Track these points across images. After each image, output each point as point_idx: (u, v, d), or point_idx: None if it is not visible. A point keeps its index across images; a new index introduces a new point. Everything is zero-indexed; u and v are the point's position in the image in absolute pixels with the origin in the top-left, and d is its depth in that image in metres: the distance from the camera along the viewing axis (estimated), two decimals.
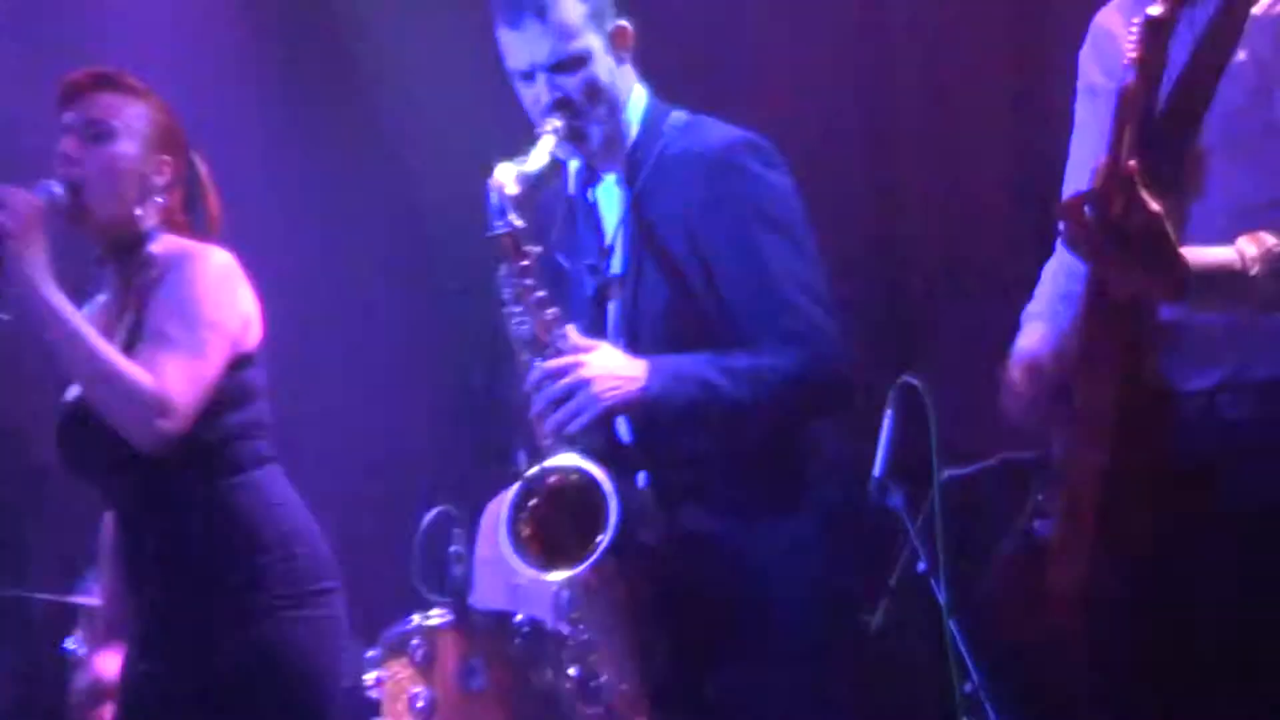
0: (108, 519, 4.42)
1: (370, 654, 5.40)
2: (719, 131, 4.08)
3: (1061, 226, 3.16)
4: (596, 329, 4.05)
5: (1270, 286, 3.13)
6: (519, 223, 3.92)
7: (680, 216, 3.99)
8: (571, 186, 4.17)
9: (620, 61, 4.08)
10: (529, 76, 4.00)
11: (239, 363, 4.25)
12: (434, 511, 5.12)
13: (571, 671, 4.32)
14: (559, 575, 3.90)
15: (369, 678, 5.37)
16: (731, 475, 3.96)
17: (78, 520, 5.03)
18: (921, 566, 5.15)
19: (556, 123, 3.98)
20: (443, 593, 5.36)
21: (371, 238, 6.73)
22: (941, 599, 5.06)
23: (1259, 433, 3.21)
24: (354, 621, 5.02)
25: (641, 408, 3.90)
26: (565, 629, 4.05)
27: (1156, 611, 3.24)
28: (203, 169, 4.45)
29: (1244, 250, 3.12)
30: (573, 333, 3.94)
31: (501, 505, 3.94)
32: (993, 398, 3.44)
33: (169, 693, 4.21)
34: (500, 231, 3.92)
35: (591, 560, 3.80)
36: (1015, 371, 3.40)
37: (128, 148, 4.28)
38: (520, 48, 4.01)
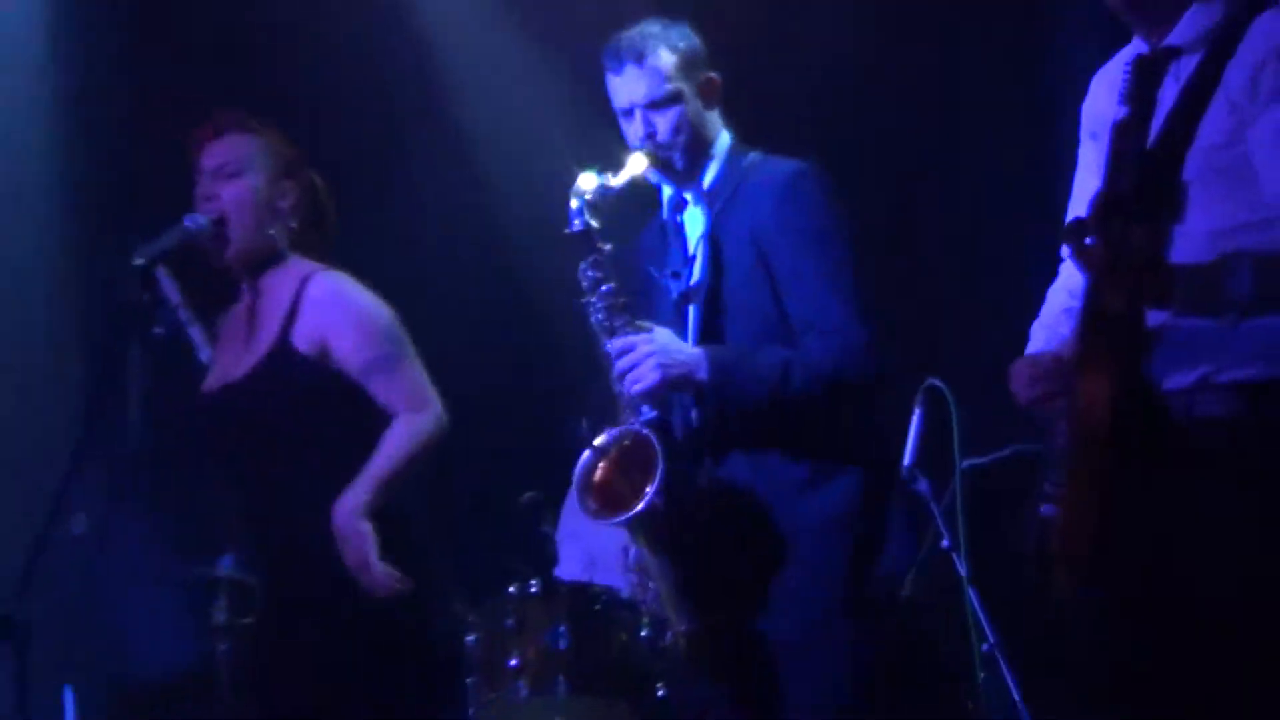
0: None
1: (470, 619, 5.42)
2: (786, 164, 4.21)
3: (1065, 246, 3.34)
4: (679, 328, 4.18)
5: (1243, 291, 3.25)
6: (594, 223, 4.09)
7: (750, 234, 4.13)
8: (665, 211, 4.30)
9: (708, 107, 4.23)
10: (628, 113, 4.18)
11: None
12: (526, 496, 5.03)
13: (643, 633, 4.58)
14: (618, 519, 4.05)
15: (468, 640, 5.36)
16: (780, 444, 4.06)
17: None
18: (945, 543, 5.19)
19: (647, 150, 4.16)
20: (532, 566, 5.38)
21: (458, 244, 6.72)
22: (962, 571, 5.15)
23: (1230, 426, 3.32)
24: (457, 590, 5.39)
25: (693, 385, 4.02)
26: (635, 590, 4.22)
27: (1147, 577, 3.33)
28: (321, 186, 4.55)
29: (1218, 263, 3.24)
30: (635, 319, 4.10)
31: (577, 469, 4.14)
32: (1006, 397, 3.53)
33: (291, 648, 4.37)
34: (576, 230, 4.11)
35: (642, 506, 3.95)
36: (1022, 364, 3.51)
37: (255, 180, 4.40)
38: (621, 89, 4.18)
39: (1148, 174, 3.29)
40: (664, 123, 4.16)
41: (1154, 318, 3.25)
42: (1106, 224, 3.19)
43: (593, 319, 4.11)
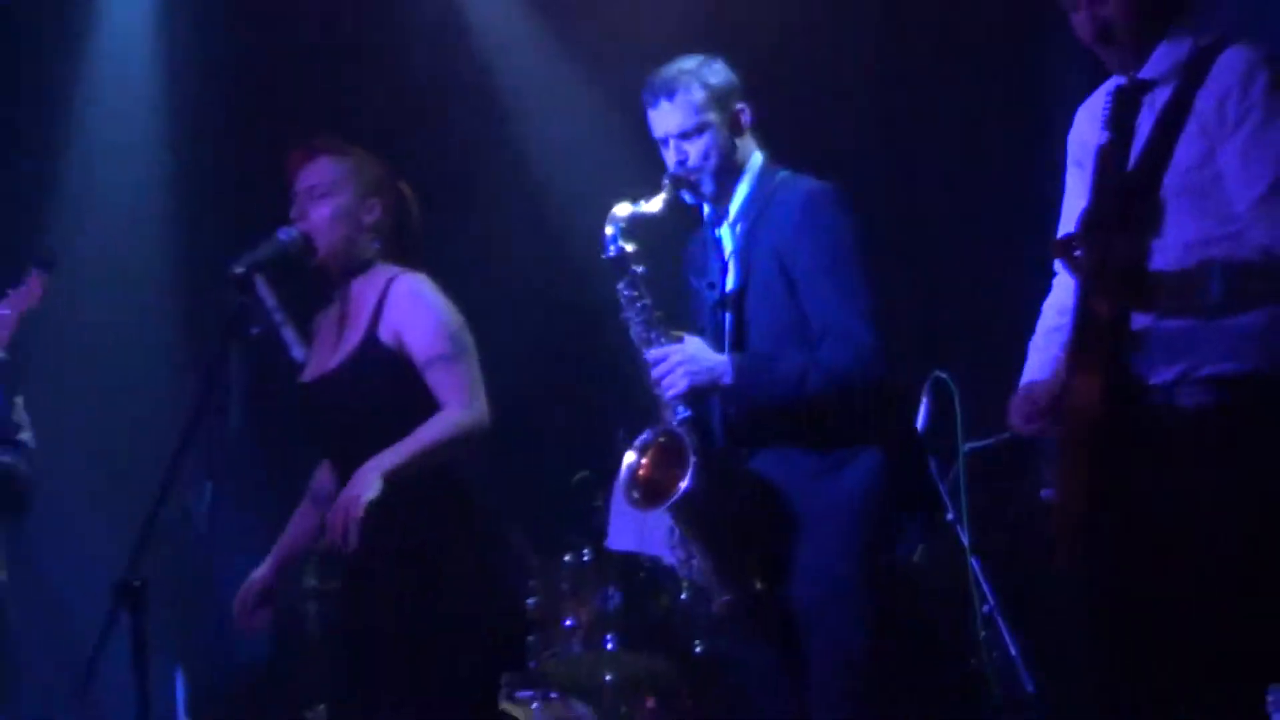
0: (322, 470, 4.47)
1: (531, 583, 5.71)
2: (809, 183, 4.19)
3: (1057, 259, 3.43)
4: (716, 331, 4.20)
5: (1215, 296, 3.25)
6: (629, 248, 4.14)
7: (776, 247, 4.12)
8: (706, 226, 4.32)
9: (738, 134, 4.21)
10: (665, 143, 4.19)
11: None
12: (579, 476, 5.30)
13: (683, 596, 4.81)
14: (658, 507, 4.09)
15: (530, 601, 5.65)
16: (803, 435, 4.07)
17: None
18: (950, 516, 5.29)
19: (679, 175, 4.18)
20: (585, 537, 5.69)
21: (526, 260, 6.71)
22: (965, 540, 5.27)
23: (1207, 415, 3.31)
24: (519, 559, 5.56)
25: (718, 389, 4.06)
26: (680, 564, 4.22)
27: (1131, 547, 3.34)
28: (410, 198, 4.49)
29: (1192, 270, 3.26)
30: (668, 331, 4.11)
31: (623, 466, 4.18)
32: (1003, 387, 3.58)
33: (372, 610, 4.24)
34: (611, 255, 4.17)
35: (677, 496, 4.01)
36: (1018, 401, 3.51)
37: (341, 199, 4.33)
38: (658, 121, 4.20)
39: (1129, 193, 3.33)
40: (694, 150, 4.17)
41: (1138, 320, 3.30)
42: (1092, 237, 3.23)
43: (632, 332, 4.18)
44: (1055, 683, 4.97)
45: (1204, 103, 3.34)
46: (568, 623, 5.67)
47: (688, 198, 4.20)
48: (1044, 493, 3.49)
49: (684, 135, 4.16)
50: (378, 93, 6.74)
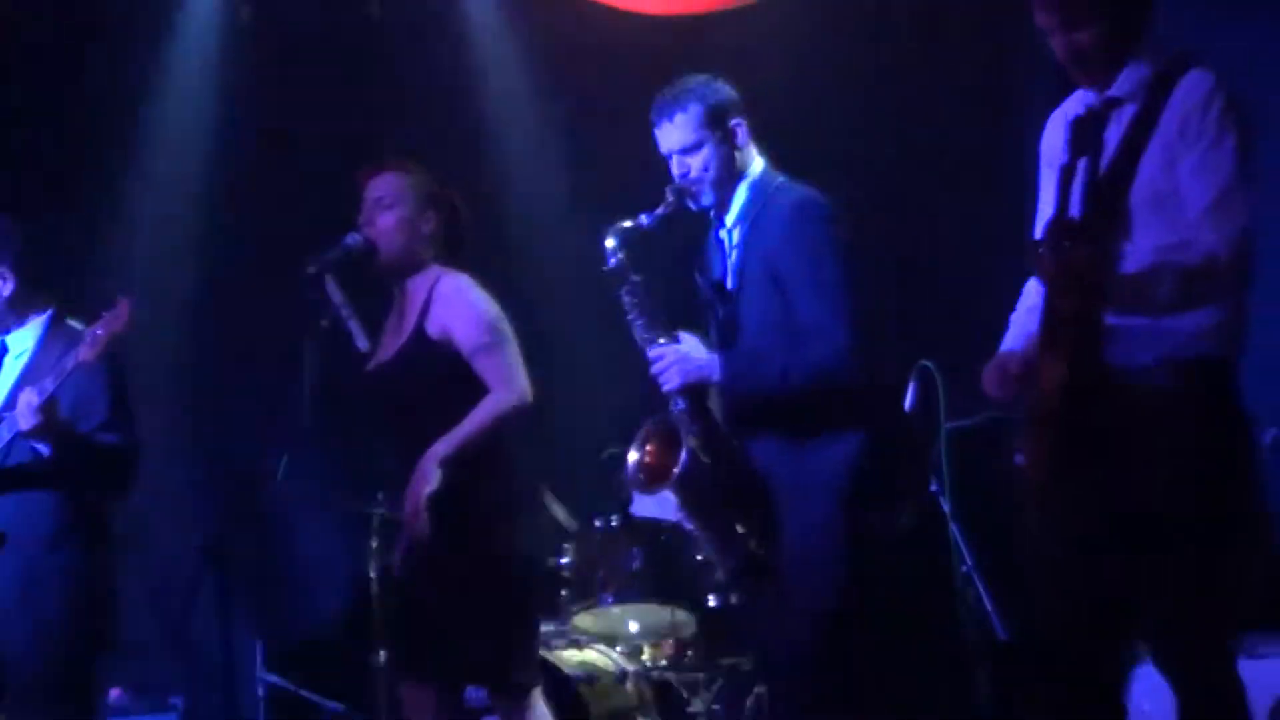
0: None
1: (567, 545, 5.87)
2: (799, 191, 4.20)
3: (1029, 261, 3.39)
4: (718, 328, 4.24)
5: (1167, 295, 3.33)
6: (626, 258, 4.19)
7: (767, 251, 4.14)
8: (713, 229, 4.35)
9: (736, 147, 4.21)
10: (669, 157, 4.25)
11: None
12: (608, 451, 5.30)
13: (699, 557, 4.87)
14: (658, 488, 4.21)
15: (567, 560, 5.84)
16: (790, 421, 4.09)
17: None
18: (934, 487, 5.37)
19: (680, 186, 4.20)
20: (614, 505, 5.80)
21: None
22: (946, 508, 5.36)
23: (1160, 393, 3.36)
24: (556, 522, 5.79)
25: (708, 383, 4.13)
26: (686, 525, 4.30)
27: (1090, 503, 3.38)
28: (462, 209, 4.58)
29: (1149, 274, 3.32)
30: (663, 332, 4.16)
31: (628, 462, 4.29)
32: (981, 374, 3.58)
33: (426, 569, 4.35)
34: (611, 266, 4.22)
35: (672, 479, 4.12)
36: (993, 368, 3.54)
37: (402, 211, 4.46)
38: (662, 139, 4.25)
39: (1096, 202, 3.37)
40: (695, 163, 4.20)
41: (1112, 316, 3.33)
42: (1057, 244, 3.24)
43: (636, 333, 4.24)
44: (1023, 631, 4.88)
45: (1168, 122, 3.41)
46: (599, 579, 5.80)
47: (692, 205, 4.25)
48: (1016, 458, 3.43)
49: (685, 150, 4.20)
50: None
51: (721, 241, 4.31)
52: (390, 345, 4.50)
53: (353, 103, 6.99)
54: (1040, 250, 3.26)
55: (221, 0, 7.08)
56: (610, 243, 4.23)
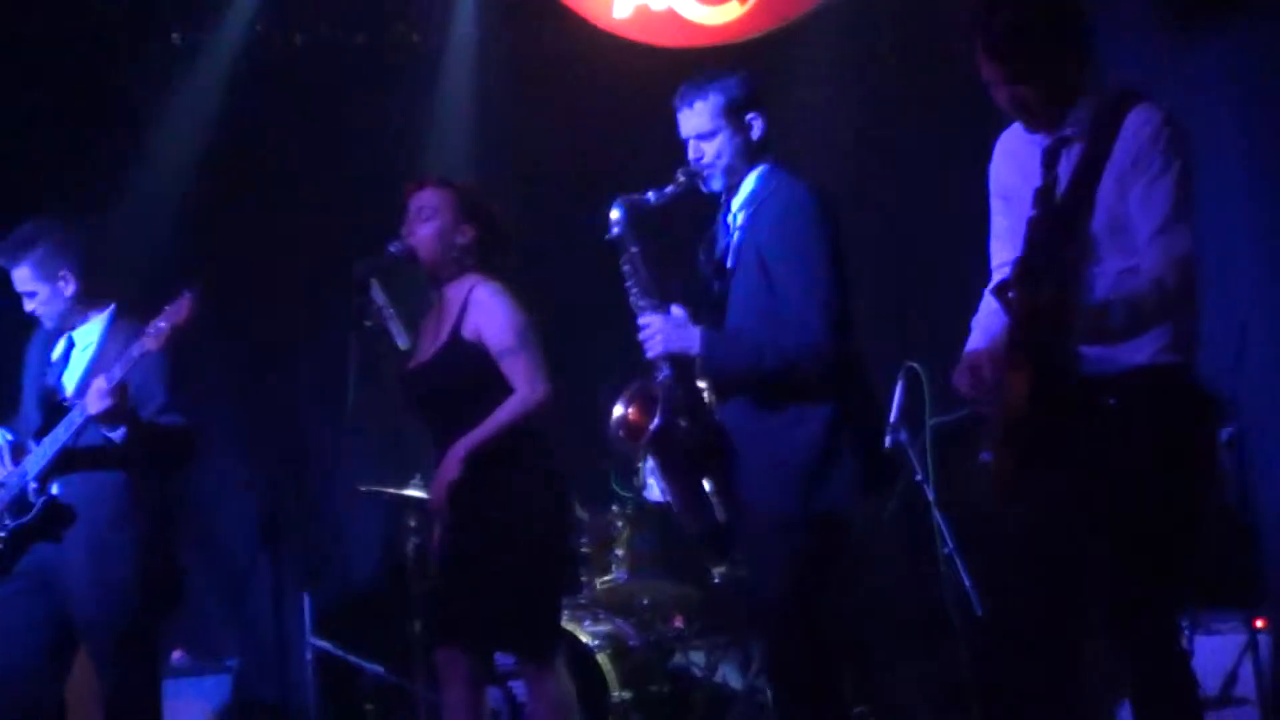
0: None
1: (585, 526, 5.91)
2: (795, 189, 4.18)
3: (995, 300, 3.38)
4: (710, 302, 4.21)
5: (1121, 325, 3.36)
6: (625, 231, 4.17)
7: (760, 240, 4.14)
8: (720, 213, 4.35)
9: (748, 139, 4.20)
10: (687, 141, 4.24)
11: None
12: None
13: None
14: (635, 445, 4.16)
15: (584, 540, 5.89)
16: (762, 395, 4.07)
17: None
18: (918, 476, 5.43)
19: (691, 170, 4.20)
20: (629, 492, 5.79)
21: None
22: (930, 496, 5.42)
23: (1124, 398, 3.37)
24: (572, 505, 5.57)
25: (688, 355, 4.09)
26: (660, 485, 4.21)
27: (1051, 494, 3.38)
28: (501, 220, 4.60)
29: (1102, 307, 3.34)
30: (654, 301, 4.14)
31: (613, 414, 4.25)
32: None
33: (459, 546, 4.40)
34: (612, 236, 4.20)
35: (647, 437, 4.11)
36: (961, 369, 3.50)
37: (439, 223, 4.50)
38: (683, 123, 4.24)
39: (1057, 236, 3.34)
40: (709, 150, 4.19)
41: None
42: (1024, 285, 3.26)
43: (631, 301, 4.24)
44: (997, 609, 4.85)
45: (1120, 155, 3.41)
46: (617, 554, 5.91)
47: (702, 188, 4.26)
48: (983, 455, 3.43)
49: (701, 136, 4.21)
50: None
51: (727, 226, 4.31)
52: (428, 348, 4.56)
53: (393, 116, 7.00)
54: (1009, 294, 3.26)
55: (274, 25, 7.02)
56: (615, 214, 4.22)
